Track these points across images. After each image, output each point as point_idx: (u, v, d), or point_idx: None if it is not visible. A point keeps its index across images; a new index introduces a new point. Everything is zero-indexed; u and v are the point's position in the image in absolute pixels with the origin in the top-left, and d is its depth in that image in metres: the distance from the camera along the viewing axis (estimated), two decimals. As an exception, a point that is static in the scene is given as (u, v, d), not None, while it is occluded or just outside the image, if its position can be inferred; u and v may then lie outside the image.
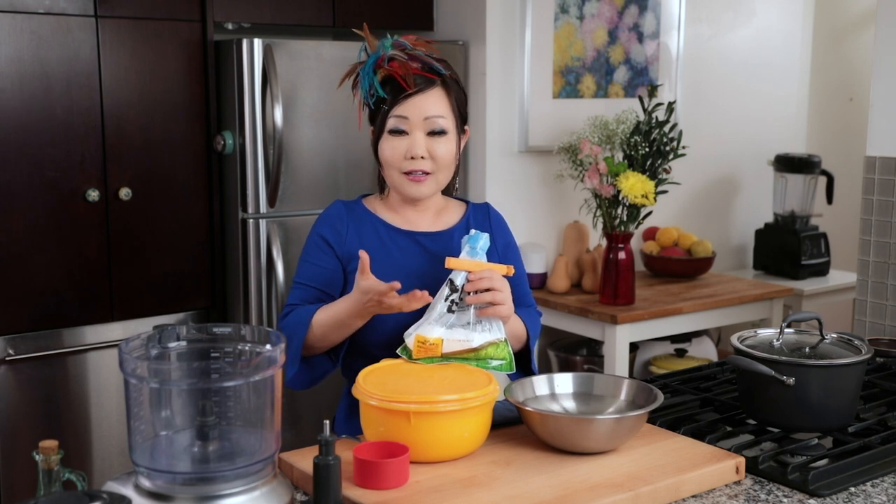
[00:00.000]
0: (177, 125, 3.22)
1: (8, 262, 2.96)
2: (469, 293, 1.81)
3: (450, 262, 1.82)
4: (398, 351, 1.83)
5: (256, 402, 1.41)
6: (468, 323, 1.81)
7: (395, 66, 1.89)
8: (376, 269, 1.91)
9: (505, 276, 1.85)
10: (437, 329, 1.80)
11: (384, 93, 1.90)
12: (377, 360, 1.85)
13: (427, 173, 1.92)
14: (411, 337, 1.81)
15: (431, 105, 1.90)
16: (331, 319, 1.87)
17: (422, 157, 1.90)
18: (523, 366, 2.01)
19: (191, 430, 1.39)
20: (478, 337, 1.81)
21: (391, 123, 1.91)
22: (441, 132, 1.91)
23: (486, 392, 1.66)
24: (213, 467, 1.37)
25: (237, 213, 3.27)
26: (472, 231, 1.89)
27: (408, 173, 1.91)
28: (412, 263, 1.95)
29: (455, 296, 1.81)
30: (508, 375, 1.94)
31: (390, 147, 1.92)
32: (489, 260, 1.88)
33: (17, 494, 3.01)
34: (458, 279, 1.82)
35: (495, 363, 1.82)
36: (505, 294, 1.83)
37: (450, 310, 1.82)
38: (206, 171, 3.29)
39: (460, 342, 1.80)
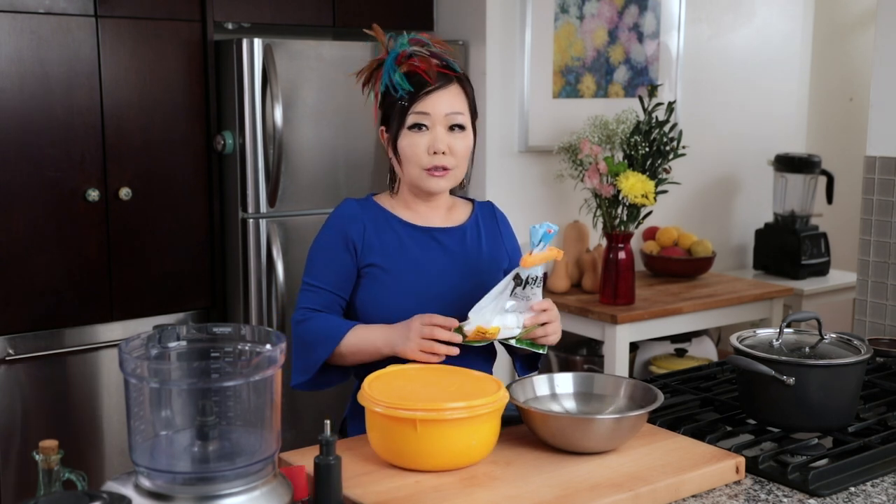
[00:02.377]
0: (177, 125, 3.22)
1: (8, 262, 2.96)
2: (530, 286, 1.84)
3: (526, 261, 1.83)
4: (453, 331, 1.82)
5: (256, 402, 1.40)
6: (519, 311, 1.85)
7: (418, 61, 1.90)
8: (395, 265, 1.91)
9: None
10: (496, 318, 1.83)
11: (409, 86, 1.90)
12: (384, 364, 1.84)
13: (447, 168, 1.92)
14: (472, 326, 1.82)
15: (451, 101, 1.91)
16: (364, 343, 1.88)
17: (443, 153, 1.90)
18: (532, 363, 2.03)
19: (191, 429, 1.39)
20: (524, 322, 1.86)
21: (412, 119, 1.91)
22: (460, 128, 1.92)
23: (495, 399, 1.63)
24: (213, 467, 1.37)
25: (237, 213, 3.27)
26: (549, 228, 1.87)
27: (429, 169, 1.91)
28: (430, 258, 1.95)
29: (518, 289, 1.83)
30: (516, 368, 2.01)
31: (411, 143, 1.91)
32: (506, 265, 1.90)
33: (17, 494, 3.01)
34: (524, 273, 1.83)
35: (534, 346, 1.88)
36: (556, 325, 1.88)
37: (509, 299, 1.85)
38: (206, 171, 3.29)
39: (511, 329, 1.84)
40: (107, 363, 3.16)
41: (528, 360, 2.04)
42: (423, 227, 1.98)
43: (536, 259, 1.83)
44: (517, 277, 1.83)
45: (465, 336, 1.82)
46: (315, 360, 1.90)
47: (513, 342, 1.86)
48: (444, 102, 1.90)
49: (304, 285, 1.97)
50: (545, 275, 2.01)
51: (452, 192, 2.06)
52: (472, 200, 2.09)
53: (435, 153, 1.90)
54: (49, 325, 3.07)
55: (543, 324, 1.86)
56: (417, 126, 1.91)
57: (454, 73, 1.93)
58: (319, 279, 1.95)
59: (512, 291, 1.83)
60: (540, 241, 1.84)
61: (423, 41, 1.94)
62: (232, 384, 1.38)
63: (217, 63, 3.26)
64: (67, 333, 3.11)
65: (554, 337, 1.88)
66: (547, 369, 3.79)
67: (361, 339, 1.88)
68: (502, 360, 2.08)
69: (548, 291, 3.65)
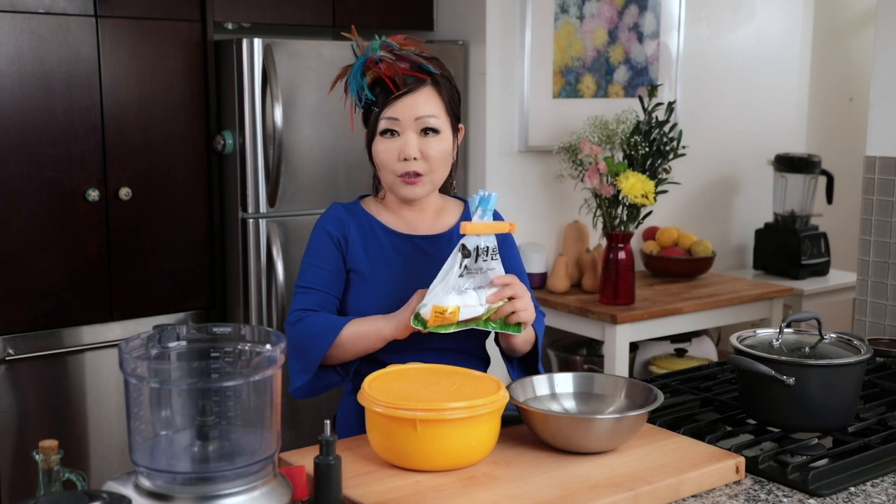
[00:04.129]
0: (177, 125, 3.22)
1: (8, 262, 2.96)
2: (483, 258, 1.78)
3: (465, 227, 1.78)
4: (411, 322, 1.78)
5: (256, 402, 1.40)
6: (479, 287, 1.79)
7: (384, 67, 1.88)
8: (375, 274, 1.91)
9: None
10: (452, 297, 1.77)
11: (373, 95, 1.89)
12: (383, 365, 1.84)
13: (420, 174, 1.90)
14: (427, 307, 1.76)
15: (422, 105, 1.89)
16: (368, 332, 1.86)
17: (414, 158, 1.88)
18: (530, 367, 2.01)
19: (191, 429, 1.39)
20: (486, 299, 1.79)
21: (382, 125, 1.89)
22: (433, 132, 1.90)
23: (495, 399, 1.63)
24: (213, 467, 1.37)
25: (237, 213, 3.27)
26: (484, 192, 1.82)
27: (401, 175, 1.90)
28: (412, 267, 1.94)
29: (468, 261, 1.78)
30: (510, 374, 1.97)
31: (383, 149, 1.90)
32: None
33: (17, 494, 3.01)
34: (471, 243, 1.78)
35: (507, 327, 1.81)
36: (525, 300, 1.82)
37: (460, 275, 1.78)
38: (206, 171, 3.29)
39: (472, 308, 1.78)
40: (107, 363, 3.16)
41: (525, 366, 2.02)
42: (407, 235, 1.96)
43: (479, 227, 1.78)
44: (463, 248, 1.78)
45: (425, 324, 1.77)
46: (315, 357, 1.87)
47: (482, 325, 1.79)
48: (415, 106, 1.88)
49: (295, 290, 1.96)
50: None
51: (446, 191, 2.05)
52: (464, 201, 2.07)
53: (405, 159, 1.88)
54: (49, 325, 3.07)
55: (511, 300, 1.79)
56: (389, 132, 1.89)
57: (426, 76, 1.89)
58: (310, 281, 1.95)
59: (461, 264, 1.77)
60: (478, 207, 1.80)
61: (391, 46, 1.90)
62: (232, 384, 1.38)
63: (217, 63, 3.26)
64: (67, 333, 3.11)
65: (525, 313, 1.81)
66: (547, 369, 3.78)
67: (364, 328, 1.87)
68: (500, 362, 2.07)
69: (548, 291, 3.65)
